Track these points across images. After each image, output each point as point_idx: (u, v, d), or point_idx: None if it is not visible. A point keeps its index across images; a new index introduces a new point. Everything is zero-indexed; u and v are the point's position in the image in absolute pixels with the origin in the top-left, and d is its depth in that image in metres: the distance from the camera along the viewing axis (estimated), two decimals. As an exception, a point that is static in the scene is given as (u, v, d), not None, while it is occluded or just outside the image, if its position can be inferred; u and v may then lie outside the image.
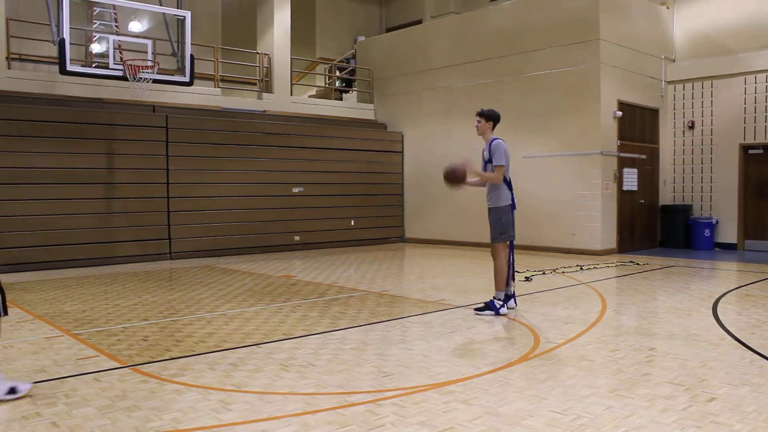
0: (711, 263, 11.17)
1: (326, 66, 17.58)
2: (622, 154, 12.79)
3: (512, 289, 6.64)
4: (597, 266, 10.55)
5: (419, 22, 17.65)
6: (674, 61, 14.13)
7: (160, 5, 11.47)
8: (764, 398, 3.89)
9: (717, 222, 13.38)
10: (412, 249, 14.24)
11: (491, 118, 6.65)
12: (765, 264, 10.90)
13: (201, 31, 14.90)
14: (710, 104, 13.56)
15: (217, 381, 4.30)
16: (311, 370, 4.56)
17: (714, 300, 7.34)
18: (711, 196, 13.58)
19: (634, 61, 13.11)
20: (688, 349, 5.12)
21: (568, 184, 12.58)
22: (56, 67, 10.56)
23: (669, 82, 14.09)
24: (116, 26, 13.21)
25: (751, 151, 13.10)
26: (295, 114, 14.65)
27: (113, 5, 11.13)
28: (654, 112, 13.97)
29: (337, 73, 17.28)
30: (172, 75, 11.50)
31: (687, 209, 13.68)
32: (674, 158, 14.13)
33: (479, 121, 6.71)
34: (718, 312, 6.65)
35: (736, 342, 5.34)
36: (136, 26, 14.68)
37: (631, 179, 13.07)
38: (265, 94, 14.45)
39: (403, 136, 15.91)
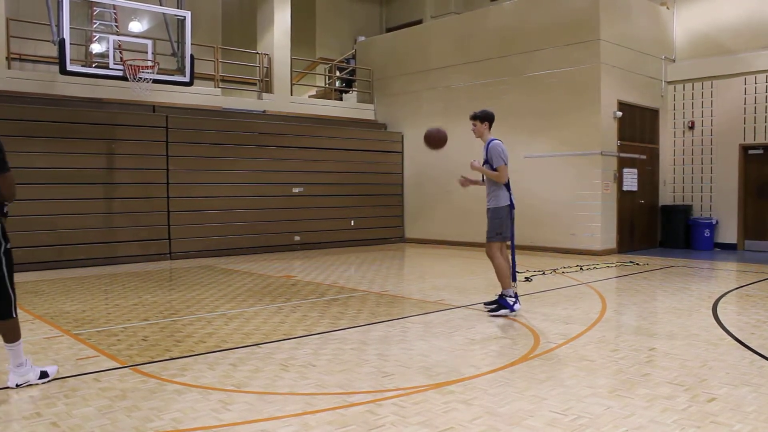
0: (711, 263, 11.17)
1: (326, 66, 17.58)
2: (622, 155, 12.79)
3: (513, 290, 6.63)
4: (597, 266, 10.55)
5: (419, 22, 17.65)
6: (674, 61, 14.13)
7: (160, 5, 11.47)
8: (764, 398, 3.89)
9: (717, 222, 13.38)
10: (412, 249, 14.24)
11: (485, 118, 6.67)
12: (765, 264, 10.90)
13: (201, 31, 14.91)
14: (710, 104, 13.56)
15: (217, 381, 4.30)
16: (311, 370, 4.55)
17: (714, 300, 7.34)
18: (711, 197, 13.58)
19: (634, 61, 13.11)
20: (688, 349, 5.12)
21: (568, 184, 12.58)
22: (56, 67, 10.56)
23: (669, 82, 14.09)
24: (116, 26, 13.22)
25: (751, 152, 13.10)
26: (295, 114, 14.65)
27: (113, 5, 11.14)
28: (654, 113, 13.97)
29: (337, 74, 17.28)
30: (172, 75, 11.51)
31: (687, 209, 13.68)
32: (674, 158, 14.13)
33: (474, 125, 6.73)
34: (718, 312, 6.65)
35: (736, 342, 5.34)
36: (136, 26, 14.68)
37: (631, 179, 13.07)
38: (265, 94, 14.45)
39: (403, 136, 15.91)
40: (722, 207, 13.40)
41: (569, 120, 12.57)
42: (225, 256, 12.39)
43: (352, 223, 14.74)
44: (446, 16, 16.92)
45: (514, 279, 6.66)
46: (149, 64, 10.89)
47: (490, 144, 6.55)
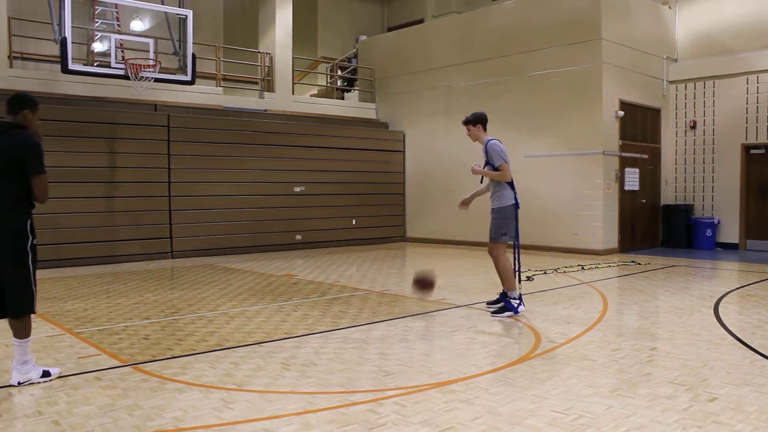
0: (712, 263, 11.16)
1: (328, 65, 17.58)
2: (623, 154, 12.78)
3: (518, 291, 6.60)
4: (598, 266, 10.55)
5: (421, 21, 17.65)
6: (676, 60, 14.11)
7: (162, 4, 11.48)
8: (765, 398, 3.89)
9: (719, 222, 13.37)
10: (414, 248, 14.24)
11: (478, 121, 6.66)
12: (766, 264, 10.88)
13: (203, 30, 14.91)
14: (712, 104, 13.54)
15: (219, 380, 4.30)
16: (312, 369, 4.56)
17: (715, 300, 7.34)
18: (713, 196, 13.56)
19: (636, 60, 13.10)
20: (690, 348, 5.11)
21: (569, 183, 12.58)
22: (58, 66, 10.57)
23: (671, 82, 14.07)
24: (118, 25, 13.24)
25: (753, 151, 13.08)
26: (296, 113, 14.65)
27: (115, 4, 11.16)
28: (656, 112, 13.95)
29: (339, 73, 17.28)
30: (174, 74, 11.52)
31: (689, 209, 13.67)
32: (676, 158, 14.11)
33: (468, 129, 6.72)
34: (720, 312, 6.64)
35: (737, 342, 5.34)
36: (137, 25, 14.70)
37: (632, 179, 13.06)
38: (266, 93, 14.45)
39: (404, 135, 15.90)
40: (724, 207, 13.38)
41: (571, 119, 12.56)
42: (226, 255, 12.40)
43: (354, 222, 14.74)
44: (447, 15, 16.93)
45: (519, 281, 6.63)
46: (151, 63, 10.89)
47: (488, 144, 6.52)
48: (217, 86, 13.70)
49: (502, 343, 5.39)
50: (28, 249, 4.18)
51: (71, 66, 10.03)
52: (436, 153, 15.02)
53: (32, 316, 4.31)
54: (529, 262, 11.08)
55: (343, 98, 17.15)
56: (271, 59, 14.62)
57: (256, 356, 4.92)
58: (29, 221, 4.22)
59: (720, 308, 6.85)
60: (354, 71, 17.24)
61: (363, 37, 17.55)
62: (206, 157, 12.36)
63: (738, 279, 9.34)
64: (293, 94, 15.15)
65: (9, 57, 11.20)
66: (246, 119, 13.32)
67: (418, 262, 11.80)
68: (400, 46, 16.21)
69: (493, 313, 6.52)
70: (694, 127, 13.79)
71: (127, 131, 11.48)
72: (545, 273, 9.66)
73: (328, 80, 17.70)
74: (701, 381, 4.24)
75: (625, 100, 12.76)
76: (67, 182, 10.75)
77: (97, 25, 13.09)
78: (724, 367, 4.58)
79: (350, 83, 17.46)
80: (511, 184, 6.51)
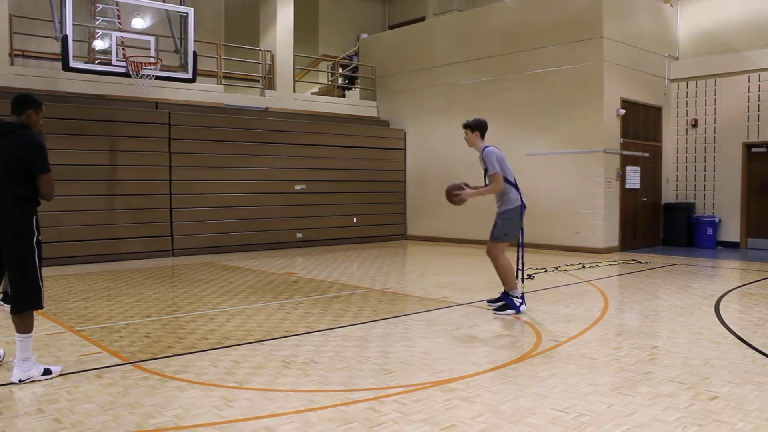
0: (713, 262, 11.15)
1: (329, 63, 17.57)
2: (625, 152, 12.77)
3: (520, 290, 6.59)
4: (599, 264, 10.54)
5: (422, 19, 17.63)
6: (678, 59, 14.09)
7: (163, 2, 11.47)
8: (766, 397, 3.89)
9: (720, 220, 13.36)
10: (415, 246, 14.24)
11: (476, 127, 6.64)
12: (767, 262, 10.89)
13: (204, 28, 14.90)
14: (714, 102, 13.52)
15: (219, 378, 4.30)
16: (313, 367, 4.56)
17: (716, 298, 7.33)
18: (714, 195, 13.55)
19: (638, 58, 13.08)
20: (691, 347, 5.11)
21: (570, 181, 12.57)
22: (59, 64, 10.56)
23: (672, 80, 14.05)
24: (119, 23, 13.25)
25: (754, 150, 13.07)
26: (297, 111, 14.65)
27: (116, 2, 11.16)
28: (657, 110, 13.94)
29: (340, 71, 17.27)
30: (175, 72, 11.51)
31: (690, 207, 13.65)
32: (677, 156, 14.10)
33: (466, 133, 6.71)
34: (721, 310, 6.64)
35: (738, 340, 5.34)
36: (138, 23, 14.69)
37: (633, 177, 13.04)
38: (267, 91, 14.44)
39: (405, 133, 15.89)
40: (725, 205, 13.37)
41: (572, 118, 12.55)
42: (227, 253, 12.40)
43: (355, 220, 14.74)
44: (449, 13, 16.91)
45: (522, 280, 6.62)
46: (152, 60, 10.89)
47: (485, 151, 6.48)
48: (218, 84, 13.70)
49: (502, 341, 5.39)
50: (34, 245, 4.25)
51: (72, 64, 10.02)
52: (437, 151, 15.00)
53: (33, 313, 4.32)
54: (530, 260, 11.07)
55: (344, 96, 17.14)
56: (272, 57, 14.61)
57: (257, 354, 4.92)
58: (34, 218, 4.32)
59: (721, 307, 6.84)
60: (355, 69, 17.23)
61: (364, 35, 17.54)
62: (207, 155, 12.35)
63: (739, 277, 9.34)
64: (294, 92, 15.14)
65: (10, 55, 11.19)
66: (247, 117, 13.32)
67: (419, 260, 11.80)
68: (401, 44, 16.19)
69: (495, 310, 6.52)
70: (695, 125, 13.77)
71: (128, 129, 11.48)
72: (546, 271, 9.66)
73: (329, 78, 17.68)
74: (702, 379, 4.24)
75: (626, 98, 12.75)
76: (68, 180, 10.75)
77: (98, 22, 13.09)
78: (725, 365, 4.57)
79: (351, 81, 17.45)
80: (515, 186, 6.50)
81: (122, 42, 11.88)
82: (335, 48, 18.05)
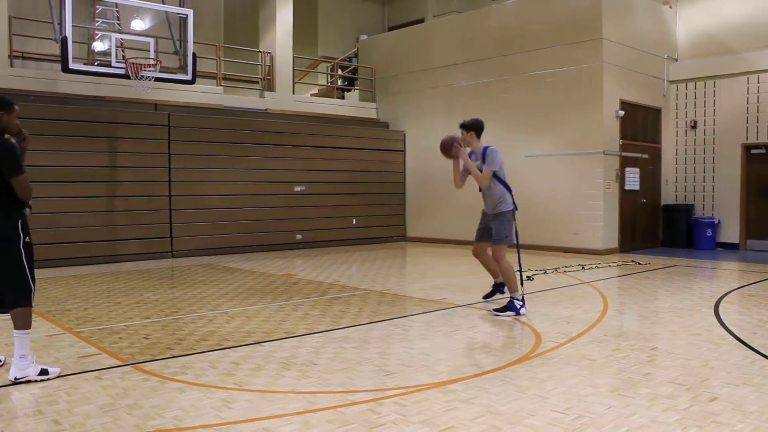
0: (713, 263, 11.15)
1: (328, 65, 17.58)
2: (624, 154, 12.77)
3: (521, 293, 6.59)
4: (599, 265, 10.55)
5: (422, 20, 17.63)
6: (677, 60, 14.10)
7: (163, 3, 11.47)
8: (766, 398, 3.89)
9: (719, 222, 13.36)
10: (414, 248, 14.24)
11: (473, 127, 6.74)
12: (767, 264, 10.88)
13: (203, 30, 14.90)
14: (713, 104, 13.53)
15: (219, 379, 4.30)
16: (313, 368, 4.56)
17: (716, 300, 7.33)
18: (713, 196, 13.56)
19: (637, 60, 13.09)
20: (690, 348, 5.11)
21: (570, 183, 12.57)
22: (58, 65, 10.57)
23: (671, 82, 14.07)
24: (118, 24, 13.26)
25: (753, 151, 13.08)
26: (297, 113, 14.65)
27: (116, 3, 11.16)
28: (656, 112, 13.95)
29: (339, 72, 17.28)
30: (175, 73, 11.51)
31: (689, 209, 13.66)
32: (676, 158, 14.10)
33: (462, 133, 6.79)
34: (720, 312, 6.64)
35: (737, 342, 5.34)
36: (138, 24, 14.70)
37: (633, 179, 13.05)
38: (267, 93, 14.45)
39: (405, 134, 15.90)
40: (724, 206, 13.37)
41: (571, 119, 12.56)
42: (227, 255, 12.40)
43: (354, 222, 14.74)
44: (448, 14, 16.92)
45: (522, 282, 6.65)
46: (151, 62, 10.89)
47: (488, 149, 6.54)
48: (217, 85, 13.70)
49: (502, 342, 5.38)
50: (21, 248, 4.24)
51: (72, 65, 10.02)
52: (437, 152, 14.83)
53: (32, 316, 4.33)
54: (529, 261, 11.08)
55: (343, 98, 17.15)
56: (272, 58, 14.62)
57: (256, 356, 4.91)
58: (20, 220, 4.28)
59: (720, 308, 6.84)
60: (354, 71, 17.24)
61: (363, 37, 17.54)
62: (207, 157, 12.35)
63: (738, 279, 9.34)
64: (294, 93, 15.14)
65: (9, 56, 11.20)
66: (246, 119, 13.32)
67: (419, 262, 11.80)
68: (400, 45, 16.20)
69: (495, 311, 6.51)
70: (694, 126, 13.78)
71: (128, 130, 11.48)
72: (545, 272, 9.66)
73: (329, 80, 17.69)
74: (701, 381, 4.24)
75: (625, 99, 12.75)
76: (67, 181, 10.76)
77: (97, 24, 13.10)
78: (724, 367, 4.57)
79: (351, 83, 17.46)
80: (509, 189, 6.56)
81: (122, 43, 11.88)
82: (335, 49, 18.06)
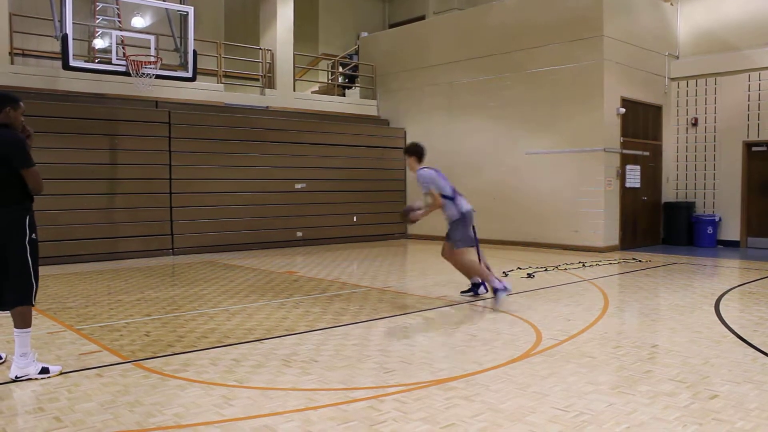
0: (714, 261, 11.15)
1: (329, 62, 17.56)
2: (625, 151, 12.76)
3: (478, 279, 7.19)
4: (599, 263, 10.55)
5: (422, 18, 17.62)
6: (678, 57, 14.08)
7: (163, 1, 11.46)
8: (766, 396, 3.89)
9: (720, 219, 13.36)
10: (415, 245, 14.24)
11: (412, 152, 7.28)
12: (767, 261, 10.89)
13: (204, 27, 14.89)
14: (714, 101, 13.52)
15: (219, 377, 4.31)
16: (313, 365, 4.56)
17: (716, 297, 7.33)
18: (714, 194, 13.55)
19: (638, 57, 13.08)
20: (690, 346, 5.11)
21: (570, 180, 12.56)
22: (59, 63, 10.56)
23: (672, 79, 14.05)
24: (119, 22, 13.24)
25: (754, 149, 13.07)
26: (297, 110, 14.64)
27: (116, 0, 11.13)
28: (657, 109, 13.93)
29: (340, 69, 17.27)
30: (175, 70, 11.50)
31: (690, 206, 13.65)
32: (677, 155, 14.09)
33: (405, 157, 7.40)
34: (721, 309, 6.64)
35: (738, 339, 5.34)
36: (138, 22, 14.68)
37: (634, 176, 13.04)
38: (267, 90, 14.44)
39: (405, 132, 15.89)
40: (725, 204, 13.37)
41: (572, 116, 12.55)
42: (227, 252, 12.40)
43: (355, 219, 14.74)
44: (449, 12, 16.89)
45: (488, 268, 7.15)
46: (152, 59, 10.88)
47: (417, 174, 7.12)
48: (218, 83, 13.69)
49: (502, 340, 5.39)
50: (26, 244, 4.25)
51: (72, 62, 10.01)
52: (437, 150, 14.91)
53: (33, 312, 4.33)
54: (529, 259, 11.09)
55: (344, 95, 17.13)
56: (272, 56, 14.60)
57: (257, 353, 4.92)
58: (27, 217, 4.28)
59: (721, 306, 6.85)
60: (355, 68, 17.23)
61: (364, 34, 17.53)
62: (207, 154, 12.35)
63: (739, 276, 9.34)
64: (294, 90, 15.14)
65: (10, 53, 11.19)
66: (247, 116, 13.31)
67: (419, 259, 11.80)
68: (401, 42, 16.19)
69: (494, 303, 6.83)
70: (695, 124, 13.76)
71: (128, 128, 11.48)
72: (546, 270, 9.66)
73: (329, 77, 17.68)
74: (702, 378, 4.24)
75: (626, 97, 12.74)
76: (68, 179, 10.76)
77: (98, 21, 13.07)
78: (725, 364, 4.58)
79: (351, 80, 17.45)
80: (453, 199, 7.06)
81: (122, 41, 11.87)
82: (335, 47, 18.04)
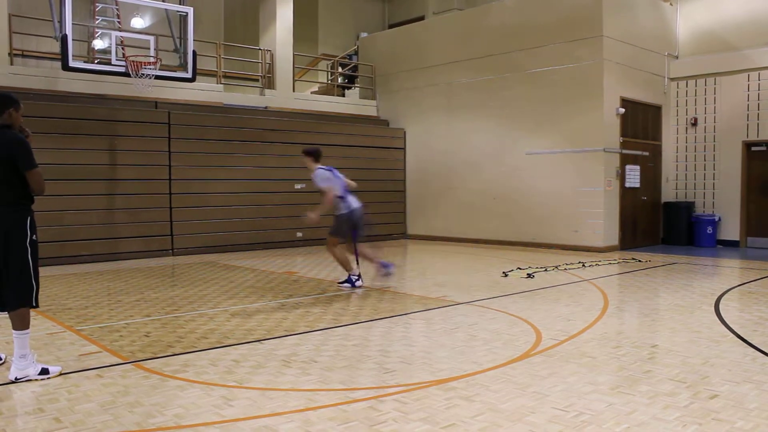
0: (713, 260, 11.15)
1: (329, 62, 17.56)
2: (624, 151, 12.77)
3: (357, 271, 8.20)
4: (599, 263, 10.55)
5: (422, 18, 17.62)
6: (677, 57, 14.09)
7: (163, 1, 11.46)
8: (766, 395, 3.89)
9: (719, 219, 13.36)
10: (414, 245, 14.24)
11: (309, 153, 8.15)
12: (767, 261, 10.87)
13: (203, 28, 14.89)
14: (713, 101, 13.52)
15: (219, 377, 4.31)
16: (313, 366, 4.56)
17: (716, 297, 7.34)
18: (714, 194, 13.55)
19: (638, 57, 13.08)
20: (690, 346, 5.11)
21: (570, 180, 12.57)
22: (59, 63, 10.56)
23: (672, 79, 14.05)
24: (119, 22, 13.24)
25: (754, 149, 13.07)
26: (297, 110, 14.64)
27: (116, 1, 11.14)
28: (657, 109, 13.94)
29: (340, 70, 17.26)
30: (175, 71, 11.50)
31: (689, 206, 13.66)
32: (677, 155, 14.10)
33: (303, 158, 8.20)
34: (720, 309, 6.64)
35: (738, 339, 5.34)
36: (138, 22, 14.68)
37: (633, 176, 13.05)
38: (267, 91, 14.44)
39: (405, 132, 15.89)
40: (725, 204, 13.37)
41: (572, 116, 12.55)
42: (227, 252, 12.40)
43: (354, 220, 14.71)
44: (448, 12, 16.89)
45: (358, 263, 8.22)
46: (151, 60, 10.88)
47: (313, 174, 7.96)
48: (217, 83, 13.69)
49: (502, 340, 5.38)
50: (27, 245, 4.25)
51: (72, 63, 10.01)
52: (437, 150, 15.01)
53: (32, 312, 4.33)
54: (529, 259, 11.10)
55: (343, 95, 17.13)
56: (272, 56, 14.60)
57: (257, 353, 4.92)
58: (28, 218, 4.29)
59: (721, 305, 6.85)
60: (355, 68, 17.22)
61: (364, 34, 17.53)
62: (207, 155, 12.35)
63: (739, 276, 9.34)
64: (294, 91, 15.13)
65: (9, 54, 11.19)
66: (246, 116, 13.31)
67: (419, 259, 11.80)
68: (400, 43, 16.19)
69: (339, 282, 8.28)
70: (695, 124, 13.77)
71: (128, 128, 11.48)
72: (546, 270, 9.66)
73: (329, 77, 17.67)
74: (702, 378, 4.24)
75: (626, 97, 12.75)
76: (68, 179, 10.75)
77: (97, 22, 13.07)
78: (724, 364, 4.58)
79: (351, 80, 17.45)
80: (343, 198, 7.97)
81: (122, 41, 11.87)
82: (335, 47, 18.04)
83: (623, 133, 12.73)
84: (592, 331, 5.64)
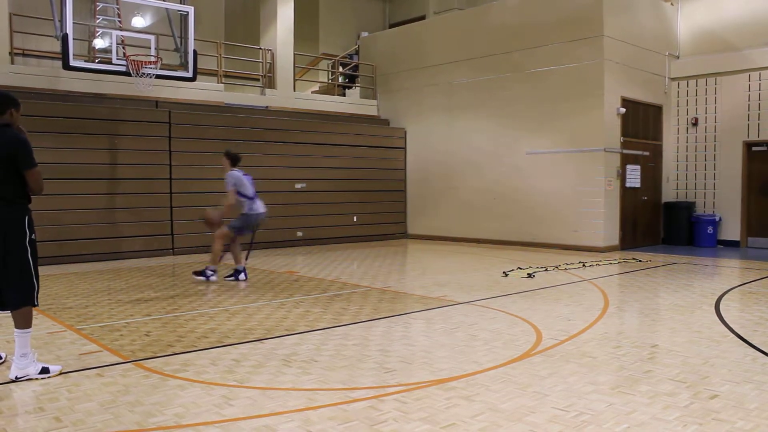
0: (714, 260, 11.15)
1: (329, 62, 17.56)
2: (625, 151, 12.76)
3: (243, 265, 8.75)
4: (599, 263, 10.54)
5: (423, 17, 17.62)
6: (678, 57, 14.08)
7: (163, 1, 11.46)
8: (766, 395, 3.89)
9: (720, 219, 13.36)
10: (415, 245, 14.24)
11: (227, 156, 8.68)
12: (767, 261, 10.89)
13: (204, 27, 14.89)
14: (714, 101, 13.52)
15: (220, 376, 4.31)
16: (313, 365, 4.56)
17: (716, 297, 7.34)
18: (714, 194, 13.55)
19: (638, 57, 13.08)
20: (690, 346, 5.11)
21: (570, 180, 12.56)
22: (59, 63, 10.56)
23: (673, 79, 14.05)
24: (119, 22, 13.24)
25: (754, 149, 13.07)
26: (297, 110, 14.64)
27: (116, 0, 11.13)
28: (657, 109, 13.93)
29: (340, 69, 17.26)
30: (175, 70, 11.50)
31: (690, 206, 13.65)
32: (677, 155, 14.10)
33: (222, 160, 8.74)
34: (721, 309, 6.64)
35: (738, 339, 5.34)
36: (139, 21, 14.68)
37: (634, 176, 13.04)
38: (268, 90, 14.44)
39: (405, 131, 15.89)
40: (725, 204, 13.37)
41: (572, 116, 12.55)
42: (228, 252, 12.36)
43: (355, 219, 14.74)
44: (449, 12, 16.90)
45: (247, 258, 8.96)
46: (152, 59, 10.88)
47: (226, 175, 8.48)
48: (218, 83, 13.69)
49: (502, 340, 5.39)
50: (27, 244, 4.26)
51: (72, 62, 10.01)
52: (438, 149, 15.01)
53: (33, 311, 4.33)
54: (529, 259, 11.10)
55: (344, 95, 17.13)
56: (273, 56, 14.60)
57: (257, 353, 4.92)
58: (27, 217, 4.30)
59: (721, 305, 6.85)
60: (355, 68, 17.22)
61: (364, 34, 17.52)
62: (207, 154, 12.33)
63: (739, 276, 9.34)
64: (294, 90, 15.13)
65: (10, 53, 11.19)
66: (247, 116, 13.31)
67: (419, 259, 11.81)
68: (401, 42, 16.19)
69: (194, 273, 8.80)
70: (695, 124, 13.76)
71: (129, 128, 11.48)
72: (546, 270, 9.66)
73: (330, 77, 17.67)
74: (702, 378, 4.24)
75: (626, 97, 12.74)
76: (68, 179, 10.76)
77: (98, 21, 13.07)
78: (725, 364, 4.58)
79: (351, 80, 17.44)
80: (253, 199, 8.56)
81: (122, 41, 11.86)
82: (335, 47, 18.04)
83: (624, 133, 12.73)
84: (592, 331, 5.64)
